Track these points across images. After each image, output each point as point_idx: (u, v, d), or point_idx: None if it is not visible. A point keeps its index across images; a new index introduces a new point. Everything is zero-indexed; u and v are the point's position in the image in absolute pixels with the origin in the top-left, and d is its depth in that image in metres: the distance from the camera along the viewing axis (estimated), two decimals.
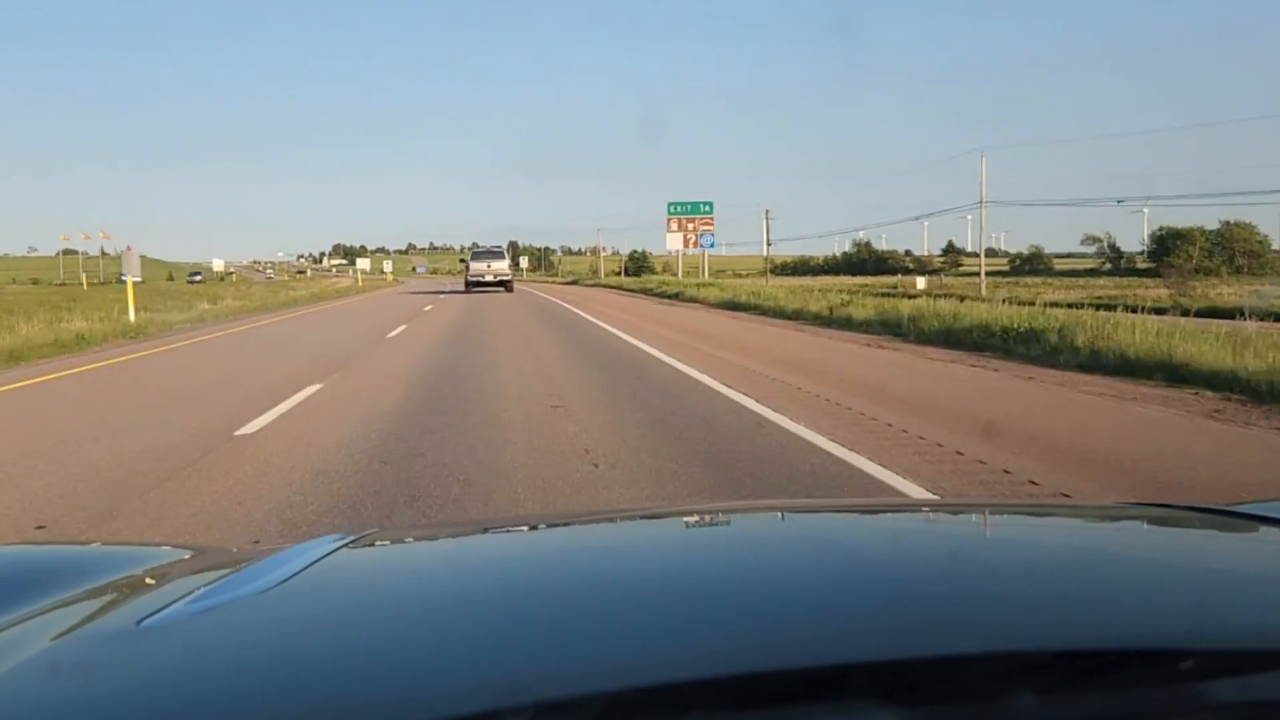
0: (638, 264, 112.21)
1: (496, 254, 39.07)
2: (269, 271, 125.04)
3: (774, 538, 1.20)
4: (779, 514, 1.46)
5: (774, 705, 0.60)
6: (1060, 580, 0.91)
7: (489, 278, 36.34)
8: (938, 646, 0.68)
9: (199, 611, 0.84)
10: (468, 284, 36.95)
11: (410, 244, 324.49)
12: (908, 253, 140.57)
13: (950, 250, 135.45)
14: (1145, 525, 1.24)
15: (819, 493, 4.58)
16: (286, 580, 0.90)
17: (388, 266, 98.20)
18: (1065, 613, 0.79)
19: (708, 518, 1.44)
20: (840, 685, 0.63)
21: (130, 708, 0.66)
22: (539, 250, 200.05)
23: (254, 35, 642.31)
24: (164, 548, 1.47)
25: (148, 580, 1.07)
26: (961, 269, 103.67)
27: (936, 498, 4.29)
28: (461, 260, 46.30)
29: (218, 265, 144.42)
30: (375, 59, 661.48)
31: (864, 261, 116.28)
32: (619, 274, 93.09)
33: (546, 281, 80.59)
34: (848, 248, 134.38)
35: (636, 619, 0.79)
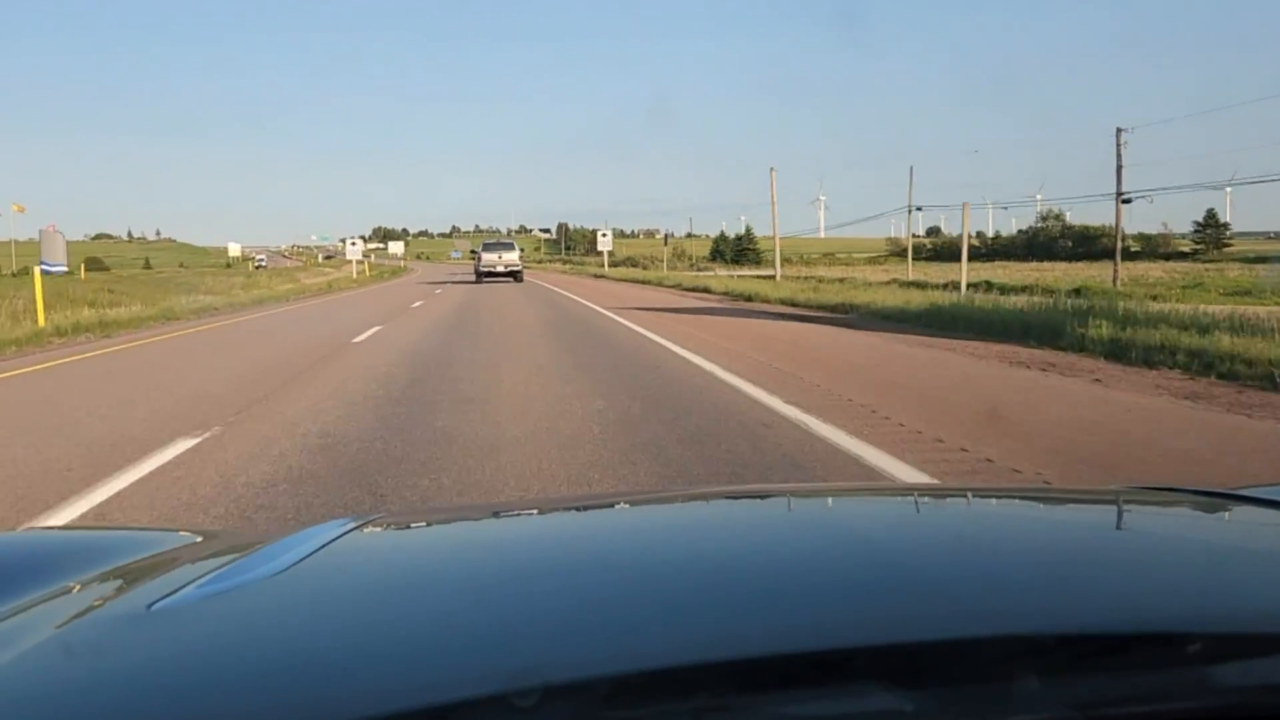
0: (738, 247, 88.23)
1: (507, 245, 42.17)
2: (262, 258, 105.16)
3: (780, 522, 1.24)
4: (785, 499, 1.51)
5: (780, 688, 0.62)
6: (1064, 564, 0.93)
7: (500, 268, 39.51)
8: (942, 630, 0.70)
9: (210, 595, 0.86)
10: (479, 274, 39.87)
11: (454, 227, 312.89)
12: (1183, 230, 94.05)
13: (1211, 223, 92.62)
14: (1149, 509, 1.27)
15: None
16: (297, 564, 0.93)
17: (354, 251, 57.04)
18: (1069, 596, 0.81)
19: (715, 502, 1.51)
20: (845, 669, 0.64)
21: (142, 690, 0.68)
22: (589, 232, 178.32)
23: (294, 20, 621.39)
24: (175, 532, 1.51)
25: (159, 564, 1.09)
26: (1230, 251, 74.64)
27: (941, 483, 4.27)
28: (473, 251, 51.49)
29: (234, 250, 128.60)
30: (418, 42, 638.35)
31: (1052, 241, 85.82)
32: (710, 261, 72.28)
33: (696, 304, 23.05)
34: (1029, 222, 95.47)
35: (644, 603, 0.81)
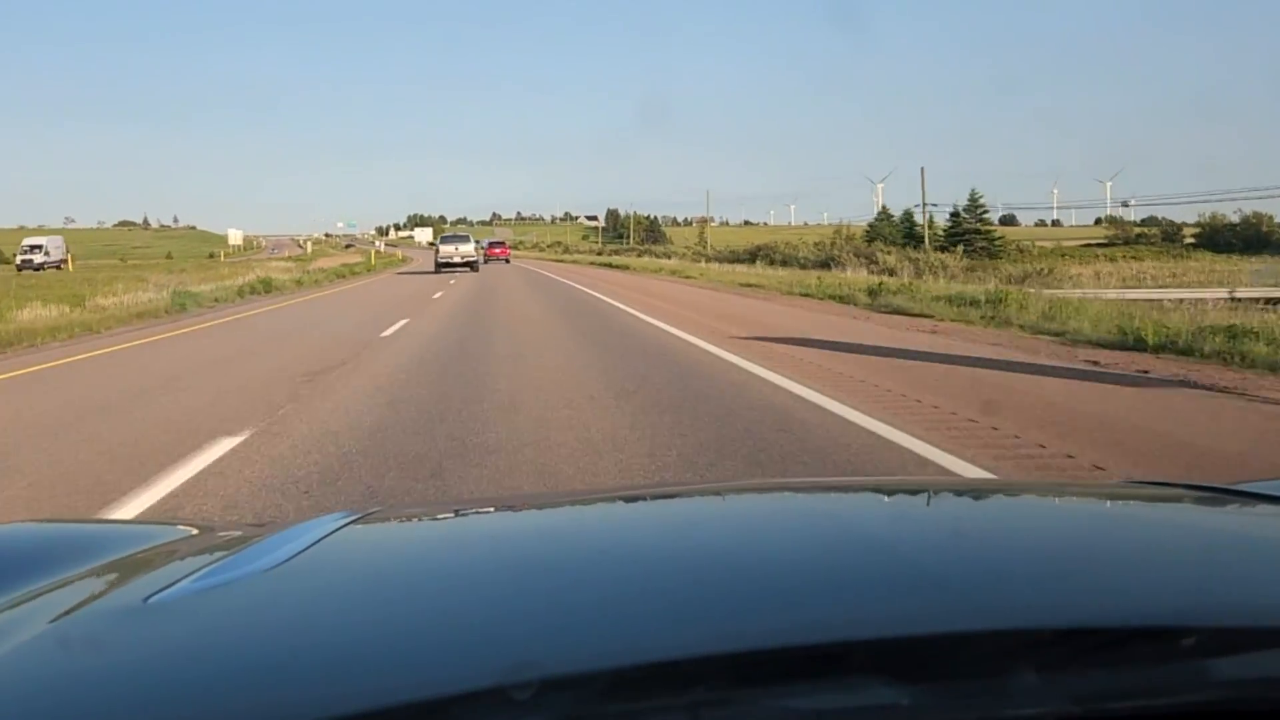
0: (953, 230, 56.26)
1: (463, 239, 44.91)
2: (39, 242, 57.60)
3: (779, 515, 1.27)
4: (784, 492, 1.55)
5: (778, 682, 0.62)
6: (1063, 558, 0.95)
7: (457, 259, 42.00)
8: (940, 624, 0.72)
9: (206, 589, 0.88)
10: (437, 265, 42.53)
11: (494, 214, 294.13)
12: None
13: None
14: (1147, 504, 1.30)
15: None
16: (292, 558, 0.95)
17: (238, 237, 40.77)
18: (1067, 590, 0.83)
19: (713, 496, 1.55)
20: (843, 663, 0.66)
21: (139, 683, 0.69)
22: (644, 219, 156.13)
23: (335, 4, 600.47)
24: (170, 526, 1.54)
25: (155, 558, 1.12)
26: None
27: (940, 477, 4.34)
28: (431, 244, 56.06)
29: (234, 237, 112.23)
30: (460, 28, 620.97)
31: None
32: (874, 247, 48.81)
33: None
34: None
35: (641, 596, 0.83)
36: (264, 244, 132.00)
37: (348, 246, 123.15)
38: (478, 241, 47.31)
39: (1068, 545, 1.02)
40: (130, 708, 0.65)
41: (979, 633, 0.70)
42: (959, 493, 1.51)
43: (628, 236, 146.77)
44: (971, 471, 4.70)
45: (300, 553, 0.96)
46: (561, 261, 65.04)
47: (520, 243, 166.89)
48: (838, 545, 1.00)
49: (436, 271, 40.94)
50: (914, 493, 1.49)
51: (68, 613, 0.86)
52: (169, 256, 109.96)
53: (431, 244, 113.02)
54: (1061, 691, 0.62)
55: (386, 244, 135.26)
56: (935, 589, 0.81)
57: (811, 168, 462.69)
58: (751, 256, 42.22)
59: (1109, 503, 1.31)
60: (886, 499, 1.38)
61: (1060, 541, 1.04)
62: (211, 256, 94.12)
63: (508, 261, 54.95)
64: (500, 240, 62.17)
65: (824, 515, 1.22)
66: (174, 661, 0.73)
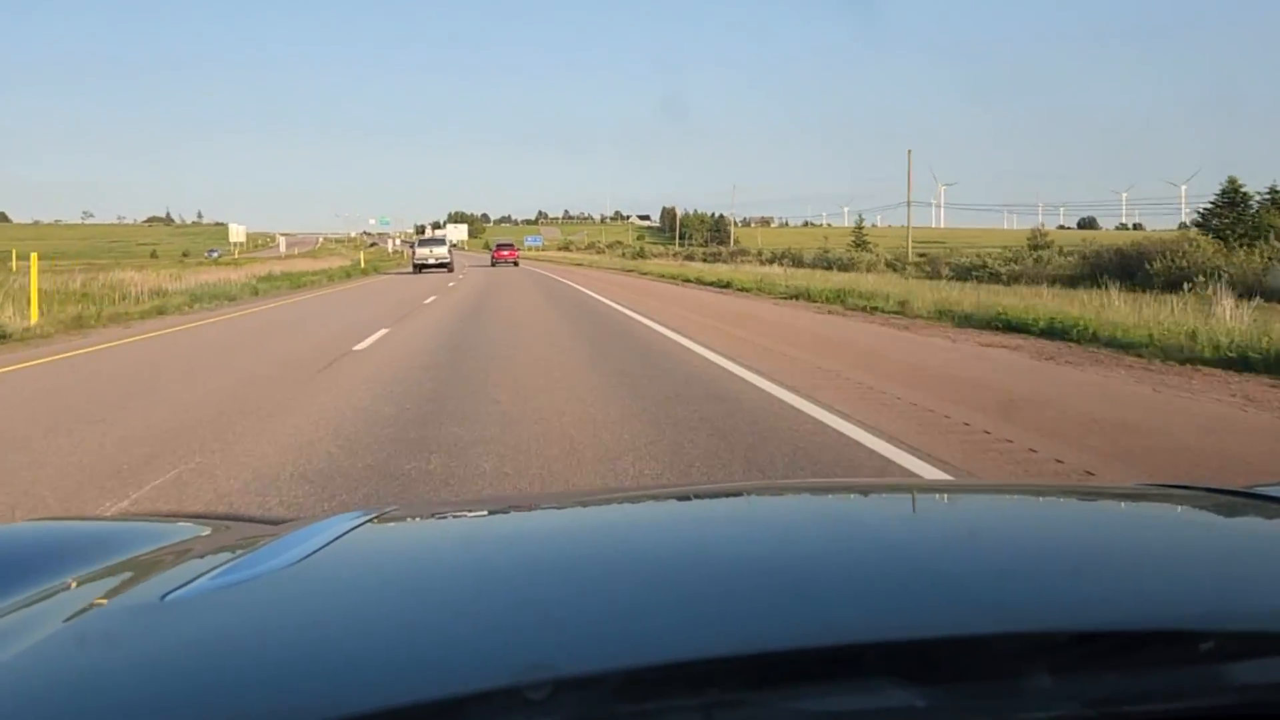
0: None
1: (438, 241, 47.11)
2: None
3: (793, 516, 1.30)
4: (798, 493, 1.59)
5: (792, 683, 0.63)
6: (1079, 560, 0.96)
7: (431, 260, 43.92)
8: (956, 626, 0.73)
9: (222, 587, 0.90)
10: (415, 266, 44.79)
11: (540, 212, 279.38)
12: None
13: None
14: (1165, 506, 1.33)
15: None
16: (309, 556, 0.97)
17: None
18: (1084, 593, 0.83)
19: (727, 497, 1.60)
20: (858, 664, 0.67)
21: (156, 681, 0.70)
22: (708, 218, 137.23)
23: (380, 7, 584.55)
24: (185, 524, 1.55)
25: (171, 556, 1.14)
26: None
27: (954, 478, 4.52)
28: (409, 245, 61.65)
29: (236, 233, 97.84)
30: (503, 20, 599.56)
31: None
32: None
33: None
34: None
35: (656, 597, 0.84)
36: (279, 241, 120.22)
37: (372, 245, 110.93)
38: (453, 244, 53.46)
39: (1084, 548, 1.02)
40: (147, 706, 0.66)
41: (994, 635, 0.71)
42: (974, 495, 1.55)
43: (689, 237, 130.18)
44: None
45: (316, 551, 0.97)
46: (657, 279, 32.90)
47: (570, 243, 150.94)
48: (853, 547, 1.01)
49: (416, 272, 42.86)
50: (930, 494, 1.55)
51: (83, 611, 0.88)
52: (154, 255, 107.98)
53: (460, 244, 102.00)
54: (1077, 695, 0.63)
55: (403, 242, 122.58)
56: (950, 590, 0.82)
57: (861, 169, 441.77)
58: (1087, 276, 18.19)
59: (1126, 505, 1.33)
60: (902, 501, 1.42)
61: (1076, 544, 1.05)
62: (185, 255, 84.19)
63: (515, 265, 54.34)
64: (508, 242, 60.24)
65: (838, 516, 1.24)
66: (190, 659, 0.74)
